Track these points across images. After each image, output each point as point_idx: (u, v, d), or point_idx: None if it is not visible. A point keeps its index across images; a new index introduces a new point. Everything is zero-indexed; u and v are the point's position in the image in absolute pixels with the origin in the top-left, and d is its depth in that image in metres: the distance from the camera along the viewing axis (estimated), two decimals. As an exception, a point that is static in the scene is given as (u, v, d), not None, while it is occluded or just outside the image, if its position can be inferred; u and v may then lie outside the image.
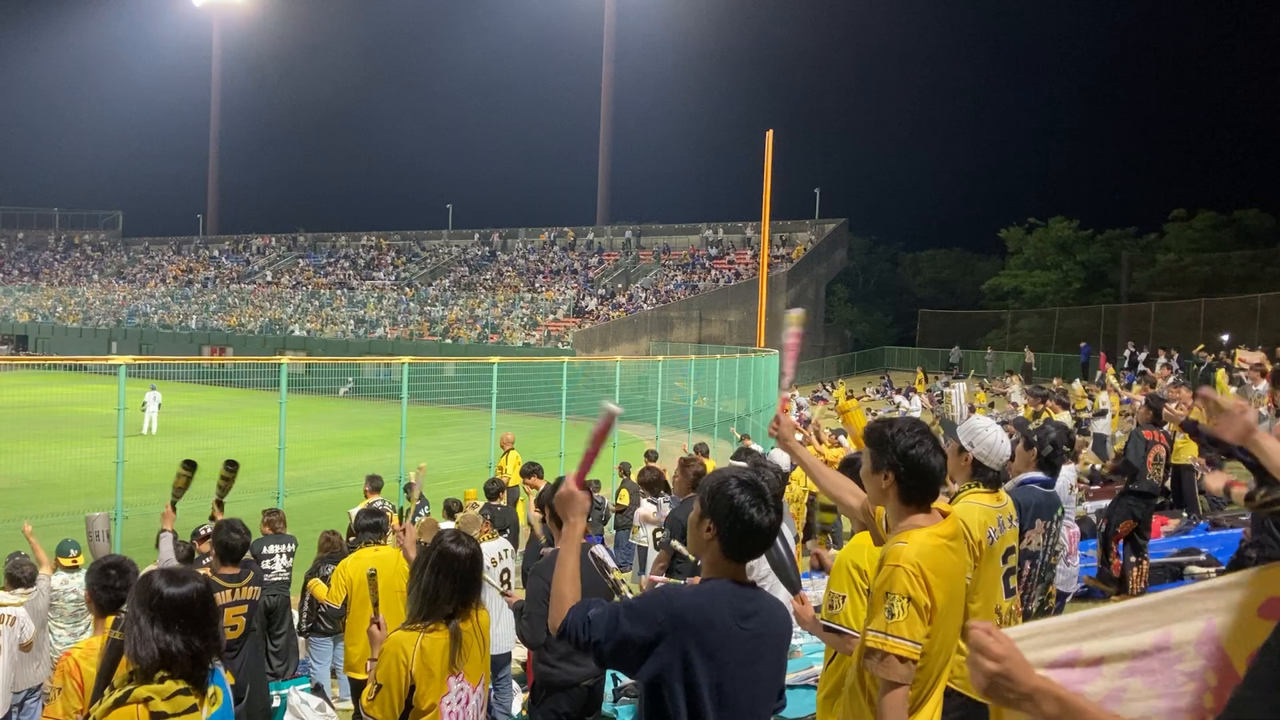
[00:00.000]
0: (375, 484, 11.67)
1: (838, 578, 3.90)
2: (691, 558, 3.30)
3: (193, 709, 2.81)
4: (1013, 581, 4.17)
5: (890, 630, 3.02)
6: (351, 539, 8.95)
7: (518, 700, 7.89)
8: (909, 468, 3.19)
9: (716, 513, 2.81)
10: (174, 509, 5.62)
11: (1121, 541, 8.92)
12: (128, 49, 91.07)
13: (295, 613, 8.95)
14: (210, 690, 2.96)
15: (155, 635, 2.82)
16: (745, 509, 2.78)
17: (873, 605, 3.15)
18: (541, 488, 10.48)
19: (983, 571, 3.98)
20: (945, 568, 3.13)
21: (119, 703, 2.75)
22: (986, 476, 4.24)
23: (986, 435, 4.24)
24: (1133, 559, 8.94)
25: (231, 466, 5.99)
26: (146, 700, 2.74)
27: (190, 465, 5.56)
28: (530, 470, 11.30)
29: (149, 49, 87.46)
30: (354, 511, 10.85)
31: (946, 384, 38.55)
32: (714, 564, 2.86)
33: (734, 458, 10.28)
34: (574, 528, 2.93)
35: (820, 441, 17.25)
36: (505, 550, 7.61)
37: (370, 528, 6.77)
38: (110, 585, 4.08)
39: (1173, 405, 13.61)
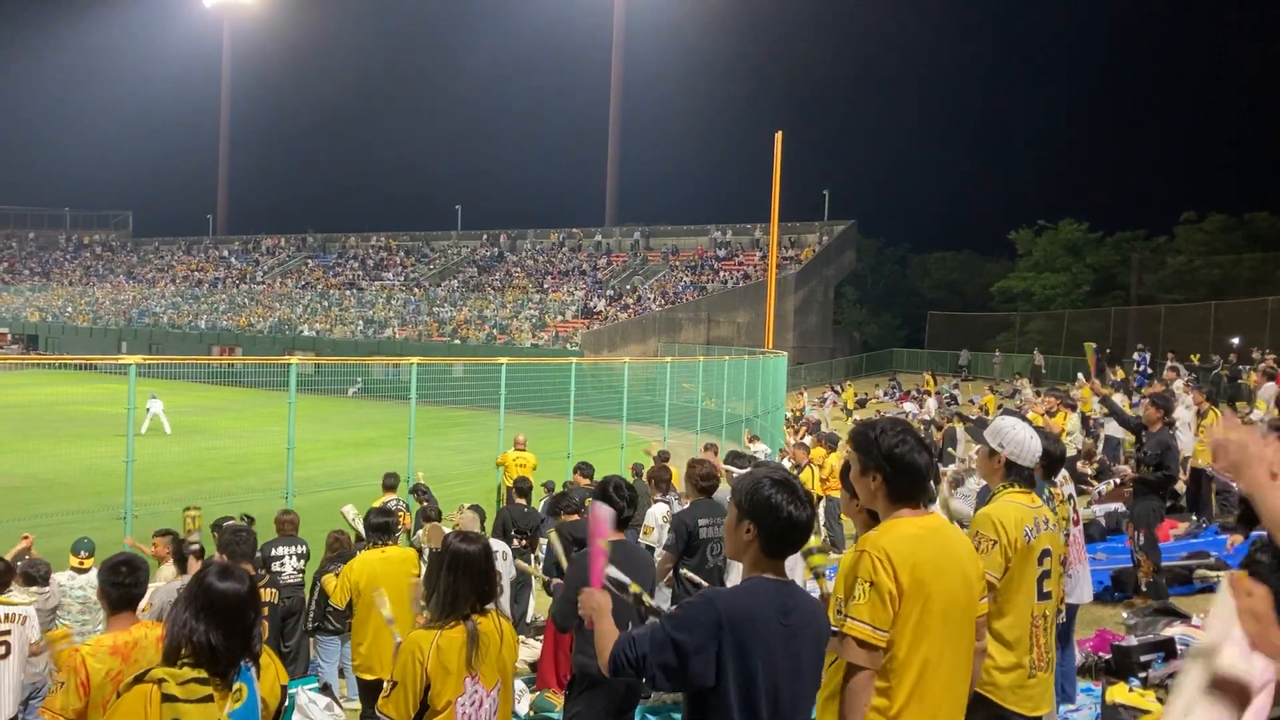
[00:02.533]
0: (389, 483, 11.70)
1: (840, 583, 3.89)
2: (634, 589, 3.37)
3: (207, 699, 2.88)
4: (1046, 585, 4.07)
5: (850, 613, 3.05)
6: (359, 543, 8.96)
7: (525, 700, 7.89)
8: (895, 467, 3.22)
9: (756, 514, 2.90)
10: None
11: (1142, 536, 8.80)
12: (138, 50, 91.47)
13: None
14: (236, 686, 3.03)
15: (184, 620, 2.95)
16: (783, 507, 2.88)
17: (844, 592, 3.18)
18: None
19: (1018, 572, 3.95)
20: (922, 559, 3.11)
21: (138, 679, 2.87)
22: (1022, 475, 4.19)
23: (1015, 433, 4.18)
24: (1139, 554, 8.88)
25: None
26: (160, 681, 2.84)
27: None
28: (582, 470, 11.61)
29: (159, 50, 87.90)
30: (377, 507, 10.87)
31: (955, 385, 38.51)
32: (755, 563, 2.94)
33: (726, 461, 10.29)
34: (602, 626, 2.99)
35: (821, 444, 17.25)
36: (498, 551, 7.61)
37: (379, 528, 6.73)
38: (120, 582, 4.12)
39: (1181, 410, 13.57)
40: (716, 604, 2.78)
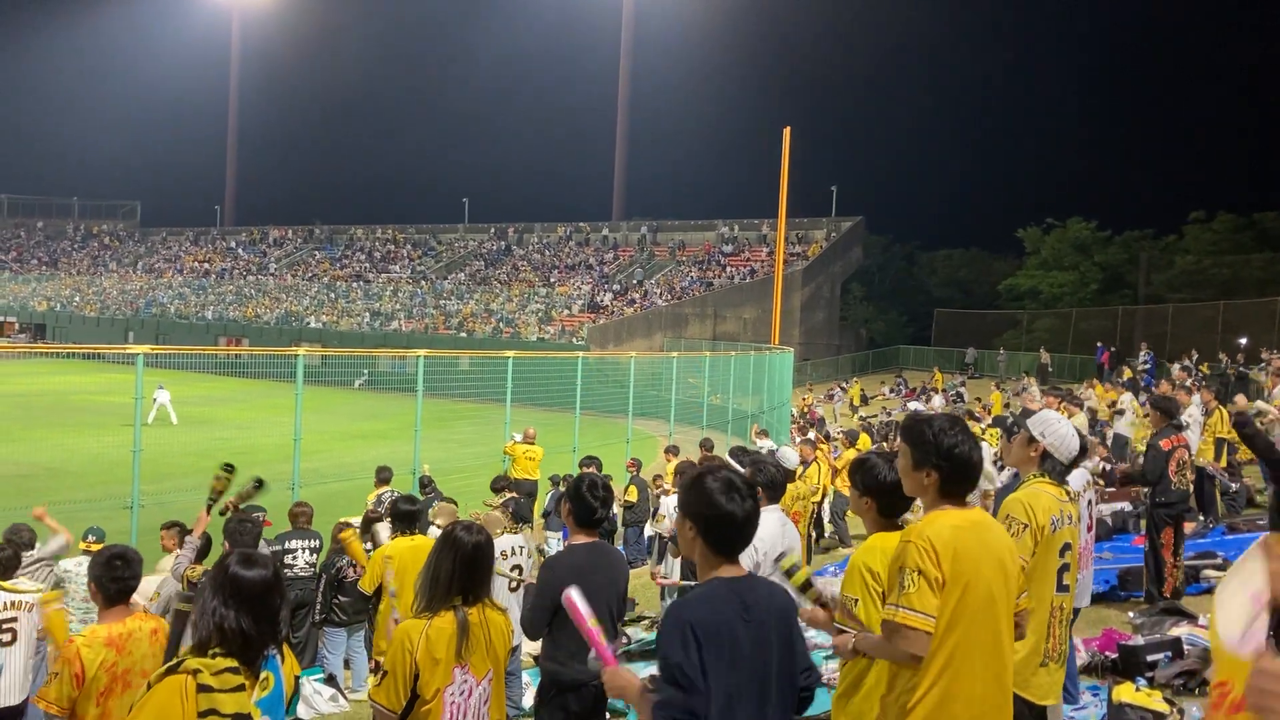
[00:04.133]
0: (383, 476, 11.67)
1: (851, 580, 3.88)
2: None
3: (239, 688, 2.93)
4: (1065, 578, 4.14)
5: (902, 602, 3.08)
6: (364, 535, 8.95)
7: (529, 694, 7.89)
8: (952, 465, 3.25)
9: (693, 510, 2.88)
10: (208, 513, 5.39)
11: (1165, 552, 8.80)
12: (148, 41, 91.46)
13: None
14: (263, 675, 3.09)
15: (214, 609, 2.99)
16: (721, 505, 2.84)
17: (889, 582, 3.21)
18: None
19: (1041, 559, 3.99)
20: (963, 549, 3.15)
21: (170, 670, 2.90)
22: (1054, 469, 4.23)
23: (1059, 427, 4.24)
24: (1170, 564, 8.86)
25: (229, 469, 5.34)
26: (195, 672, 2.88)
27: (229, 468, 5.22)
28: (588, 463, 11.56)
29: (169, 41, 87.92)
30: (371, 500, 10.86)
31: (961, 383, 38.44)
32: (705, 561, 2.90)
33: (731, 454, 10.28)
34: (640, 706, 2.77)
35: (829, 440, 17.25)
36: (518, 547, 7.60)
37: (406, 516, 6.73)
38: (118, 576, 4.13)
39: (1193, 408, 13.53)
40: (683, 615, 2.74)
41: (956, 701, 3.13)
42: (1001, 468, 11.69)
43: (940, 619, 3.10)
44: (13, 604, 6.06)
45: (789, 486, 9.05)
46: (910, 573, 3.08)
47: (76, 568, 8.10)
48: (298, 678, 3.43)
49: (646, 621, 9.76)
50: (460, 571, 3.68)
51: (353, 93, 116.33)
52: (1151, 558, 8.76)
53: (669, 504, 8.30)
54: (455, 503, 9.75)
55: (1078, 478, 6.32)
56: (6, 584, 6.19)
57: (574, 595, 2.91)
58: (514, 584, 7.39)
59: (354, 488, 13.73)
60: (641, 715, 2.78)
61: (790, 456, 9.81)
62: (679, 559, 7.02)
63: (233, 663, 2.94)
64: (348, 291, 58.48)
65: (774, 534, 5.14)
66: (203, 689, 2.86)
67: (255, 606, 3.03)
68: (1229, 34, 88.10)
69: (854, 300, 63.15)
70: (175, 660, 2.95)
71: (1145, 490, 9.56)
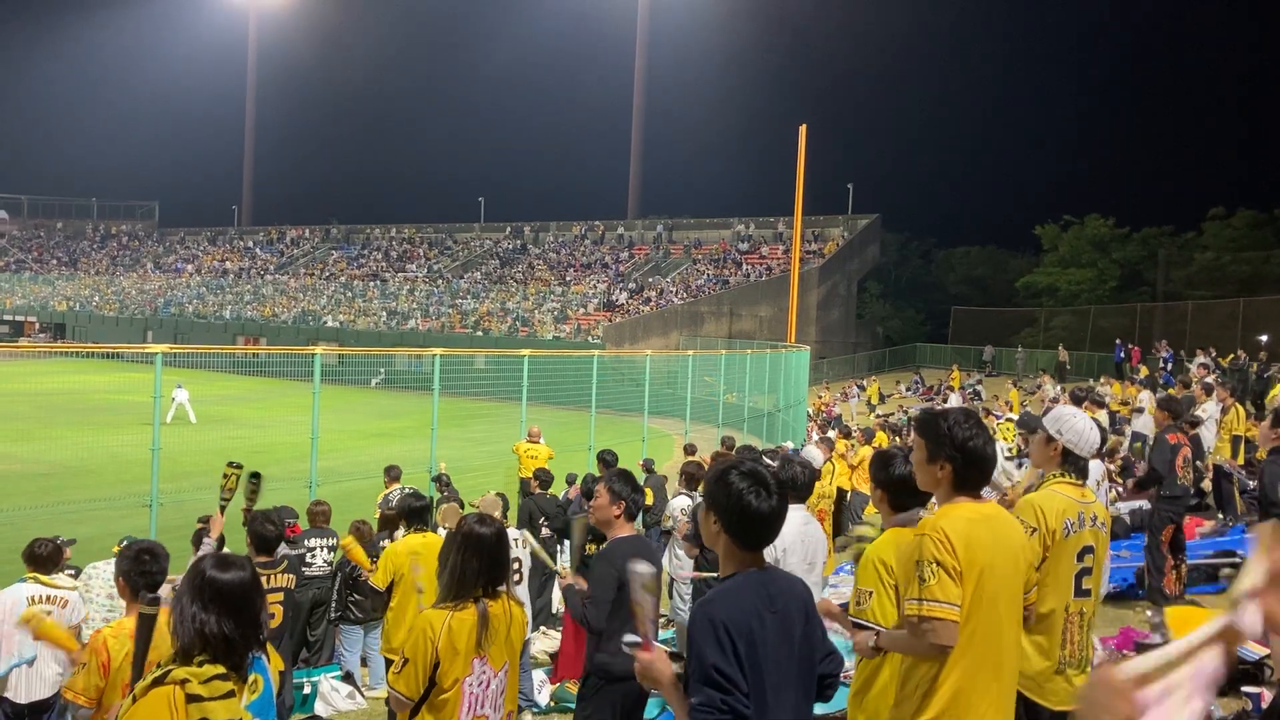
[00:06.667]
0: (393, 474, 11.70)
1: (865, 574, 3.88)
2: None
3: (229, 694, 2.84)
4: (1086, 582, 4.04)
5: (924, 595, 3.08)
6: (382, 532, 8.98)
7: (546, 690, 7.92)
8: (966, 458, 3.25)
9: (718, 504, 2.88)
10: (222, 513, 5.24)
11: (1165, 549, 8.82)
12: (165, 41, 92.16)
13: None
14: (251, 678, 3.03)
15: (193, 615, 2.88)
16: (745, 497, 2.83)
17: (906, 578, 3.20)
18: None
19: (1053, 564, 3.94)
20: (976, 540, 3.16)
21: (157, 681, 2.80)
22: (1078, 465, 4.16)
23: (1075, 422, 4.16)
24: (1170, 561, 8.85)
25: (236, 466, 5.26)
26: (183, 682, 2.78)
27: (237, 465, 5.17)
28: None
29: (186, 41, 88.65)
30: (380, 500, 10.88)
31: (979, 381, 38.27)
32: (729, 554, 2.90)
33: (738, 452, 10.30)
34: (673, 699, 2.76)
35: (849, 437, 17.22)
36: (515, 540, 7.59)
37: (415, 512, 6.75)
38: (146, 570, 4.17)
39: (1210, 405, 13.43)
40: (713, 614, 2.73)
41: (974, 691, 3.16)
42: (1019, 465, 11.68)
43: (969, 621, 3.12)
44: (48, 598, 6.15)
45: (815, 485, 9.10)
46: (928, 565, 3.10)
47: (106, 566, 8.16)
48: (281, 673, 3.42)
49: (662, 619, 9.79)
50: (484, 565, 3.73)
51: (369, 93, 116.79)
52: (1150, 555, 8.78)
53: (675, 506, 8.30)
54: (461, 503, 9.78)
55: (1093, 469, 6.29)
56: (44, 578, 6.26)
57: (641, 569, 2.79)
58: (518, 577, 7.38)
59: (371, 486, 13.75)
60: (676, 710, 2.77)
61: (816, 455, 9.85)
62: (692, 557, 7.02)
63: (220, 669, 2.84)
64: (364, 291, 58.67)
65: (794, 532, 5.15)
66: (192, 699, 2.76)
67: (235, 609, 2.92)
68: (1249, 29, 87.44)
69: (870, 298, 62.95)
70: (161, 671, 2.84)
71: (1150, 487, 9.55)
